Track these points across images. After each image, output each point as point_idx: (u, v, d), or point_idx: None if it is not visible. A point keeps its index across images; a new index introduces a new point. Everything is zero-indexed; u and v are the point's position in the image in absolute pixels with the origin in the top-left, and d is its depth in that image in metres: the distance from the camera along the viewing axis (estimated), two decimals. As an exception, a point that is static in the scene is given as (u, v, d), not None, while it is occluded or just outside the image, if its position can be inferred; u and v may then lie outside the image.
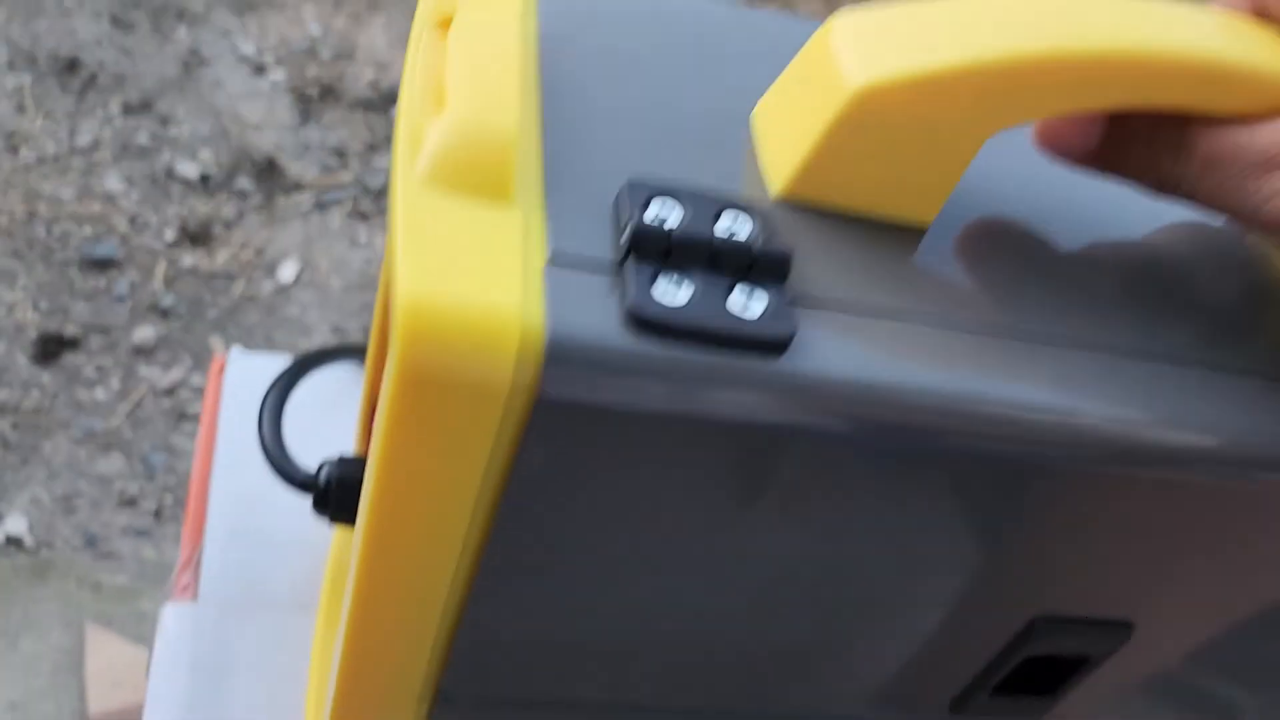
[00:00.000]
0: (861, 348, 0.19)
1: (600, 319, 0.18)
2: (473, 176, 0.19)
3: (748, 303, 0.19)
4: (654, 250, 0.19)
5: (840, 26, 0.22)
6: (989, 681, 0.26)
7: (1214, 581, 0.25)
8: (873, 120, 0.21)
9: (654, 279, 0.18)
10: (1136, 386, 0.21)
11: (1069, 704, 0.27)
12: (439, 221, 0.18)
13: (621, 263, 0.19)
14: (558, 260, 0.19)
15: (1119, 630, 0.25)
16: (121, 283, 1.14)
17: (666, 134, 0.22)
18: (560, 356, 0.17)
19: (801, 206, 0.22)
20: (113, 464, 0.98)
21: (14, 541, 0.89)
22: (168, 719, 0.35)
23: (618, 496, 0.20)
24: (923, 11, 0.22)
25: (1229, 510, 0.23)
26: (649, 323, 0.18)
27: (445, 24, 0.22)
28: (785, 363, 0.19)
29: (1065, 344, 0.21)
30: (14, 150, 1.28)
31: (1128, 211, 0.25)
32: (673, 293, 0.18)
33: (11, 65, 1.41)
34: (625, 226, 0.19)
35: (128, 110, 1.37)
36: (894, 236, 0.22)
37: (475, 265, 0.18)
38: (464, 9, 0.22)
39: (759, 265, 0.19)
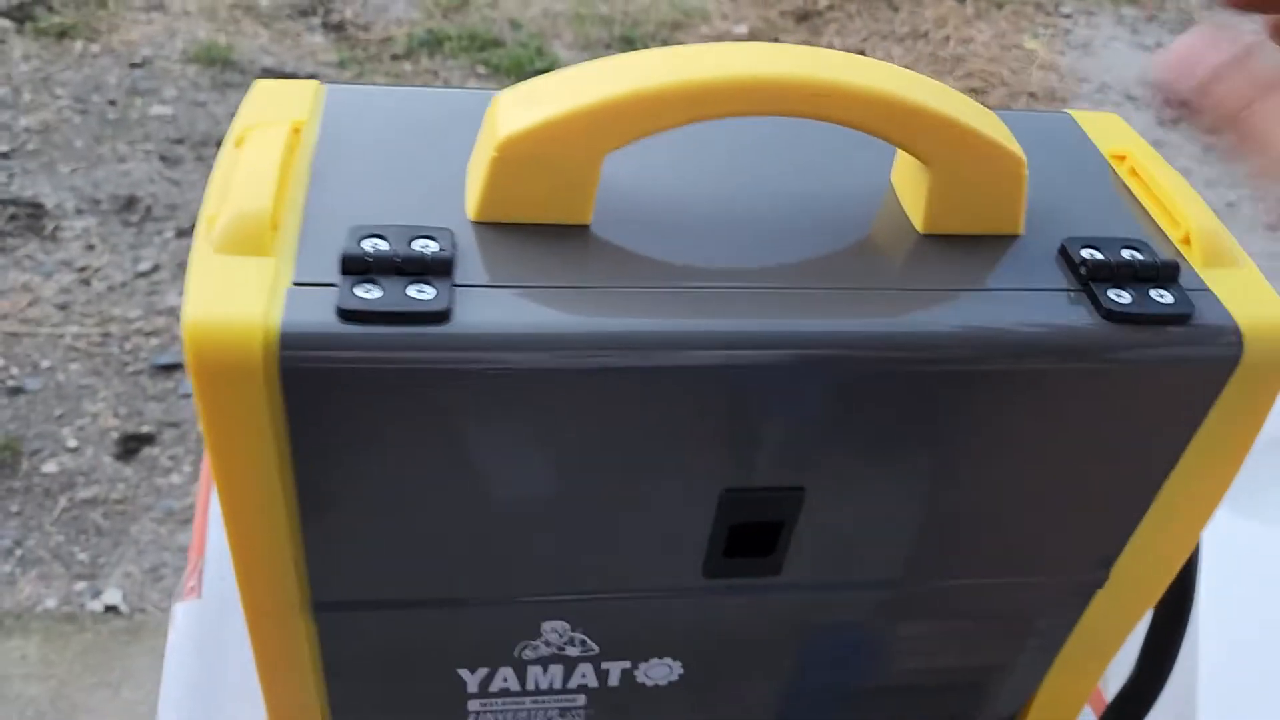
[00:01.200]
0: (511, 309, 0.29)
1: (322, 317, 0.28)
2: (242, 241, 0.29)
3: (420, 293, 0.28)
4: (358, 269, 0.29)
5: (505, 95, 0.32)
6: (718, 548, 0.35)
7: (858, 456, 0.33)
8: (516, 157, 0.30)
9: (355, 286, 0.28)
10: (770, 304, 0.30)
11: (795, 561, 0.36)
12: (214, 271, 0.29)
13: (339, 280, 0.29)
14: (298, 284, 0.29)
15: (794, 494, 0.33)
16: (187, 383, 1.29)
17: (400, 194, 0.32)
18: (292, 343, 0.27)
19: (490, 224, 0.31)
20: (190, 536, 1.12)
21: (111, 609, 1.03)
22: (181, 694, 0.46)
23: (371, 440, 0.30)
24: (563, 75, 0.31)
25: (859, 395, 0.31)
26: (350, 313, 0.28)
27: (240, 141, 0.33)
28: (448, 327, 0.28)
29: (687, 281, 0.30)
30: (87, 283, 1.44)
31: (759, 191, 0.34)
32: (369, 293, 0.28)
33: (79, 211, 1.58)
34: (342, 258, 0.29)
35: (180, 234, 1.53)
36: (560, 235, 0.32)
37: (235, 294, 0.28)
38: (255, 128, 0.33)
39: (430, 268, 0.29)
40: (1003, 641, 0.41)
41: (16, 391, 1.25)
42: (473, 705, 0.40)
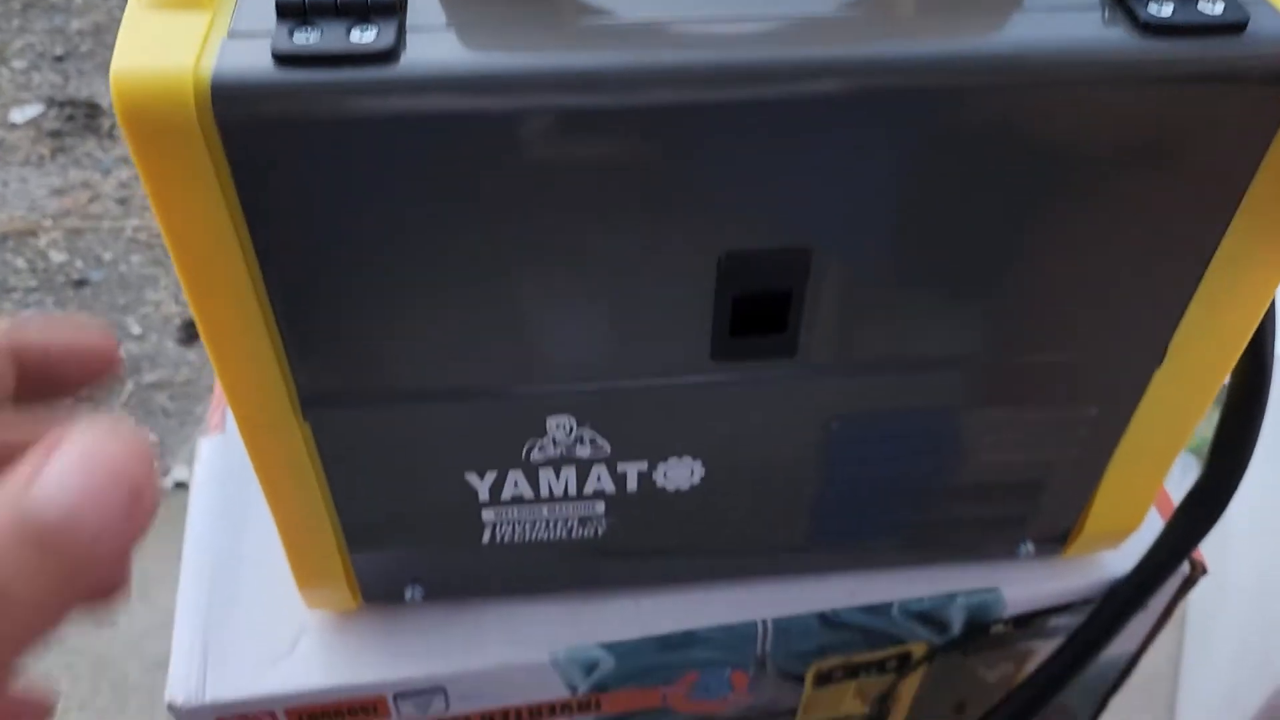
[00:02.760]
0: (469, 47, 0.26)
1: (256, 63, 0.26)
2: (176, -4, 0.27)
3: (362, 35, 0.26)
4: (294, 13, 0.26)
5: None
6: (723, 325, 0.32)
7: (869, 210, 0.30)
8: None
9: (293, 31, 0.26)
10: (759, 36, 0.27)
11: (811, 340, 0.33)
12: (147, 24, 0.26)
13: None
14: (233, 36, 0.26)
15: (799, 257, 0.30)
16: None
17: None
18: (225, 92, 0.25)
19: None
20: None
21: (181, 485, 1.05)
22: (204, 527, 0.45)
23: (327, 202, 0.28)
24: None
25: (868, 137, 0.28)
26: (285, 57, 0.25)
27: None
28: (395, 68, 0.26)
29: (670, 11, 0.27)
30: (143, 176, 1.45)
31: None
32: (307, 36, 0.26)
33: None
34: (277, 3, 0.26)
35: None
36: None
37: (166, 45, 0.26)
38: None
39: (373, 10, 0.26)
40: (1052, 433, 0.38)
41: (81, 284, 1.27)
42: (487, 515, 0.38)
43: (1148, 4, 0.28)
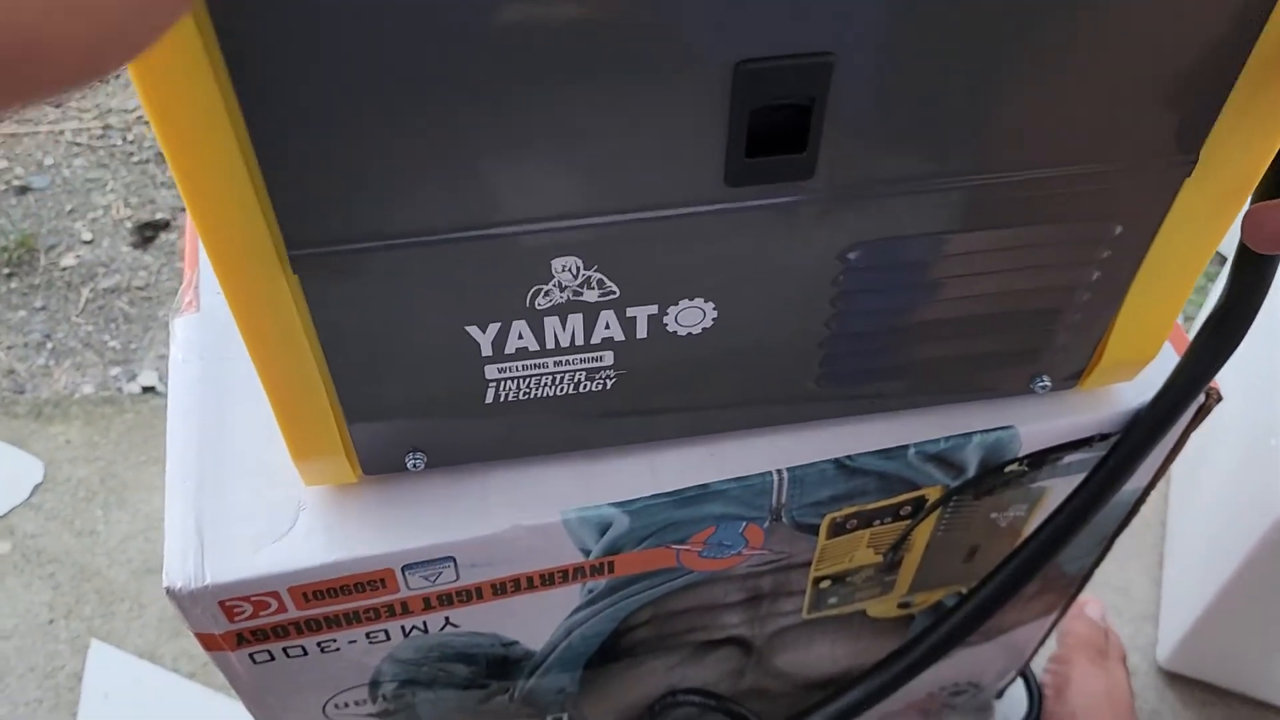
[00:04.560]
0: None
1: None
2: None
3: None
4: None
5: None
6: (739, 145, 0.30)
7: (896, 9, 0.27)
8: None
9: None
10: None
11: (830, 158, 0.31)
12: None
13: None
14: None
15: (821, 63, 0.28)
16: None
17: None
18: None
19: None
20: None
21: (149, 389, 1.02)
22: (190, 401, 0.43)
23: (302, 22, 0.25)
24: None
25: None
26: None
27: None
28: None
29: None
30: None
31: None
32: None
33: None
34: None
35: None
36: None
37: None
38: None
39: None
40: (1074, 254, 0.36)
41: (24, 190, 1.21)
42: (490, 372, 0.36)
43: None
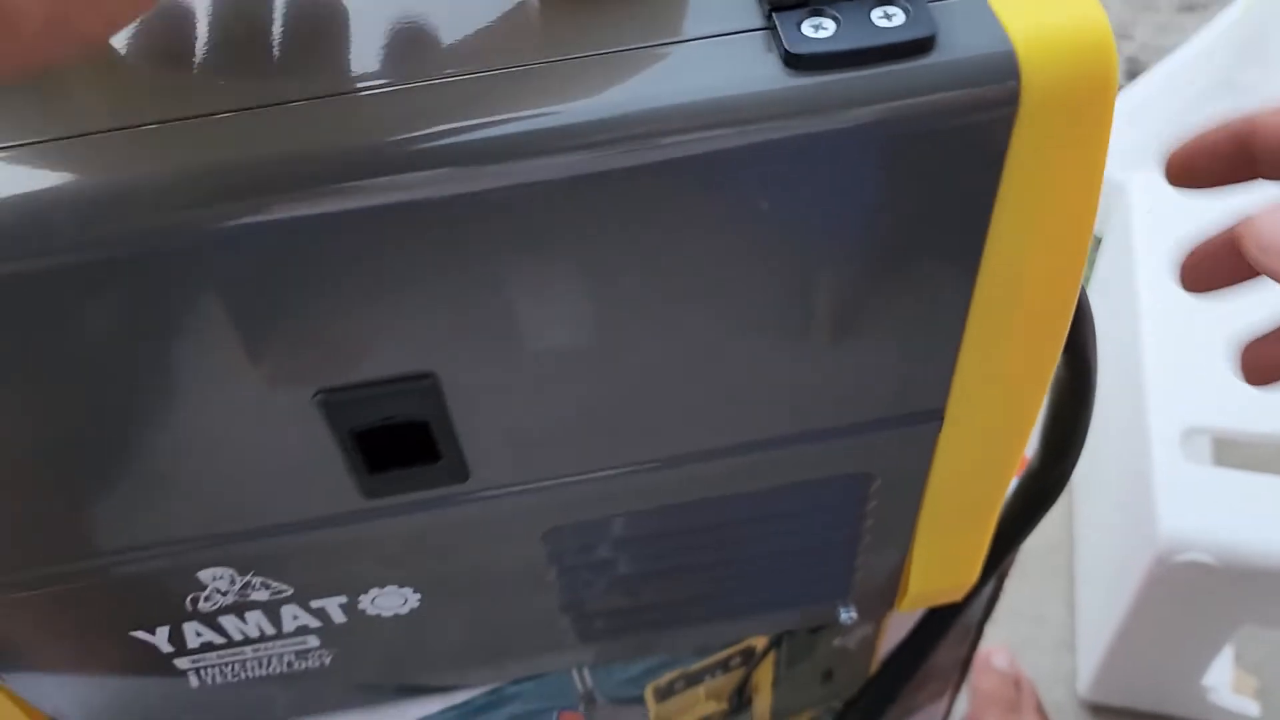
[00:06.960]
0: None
1: None
2: None
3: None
4: None
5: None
6: (358, 464, 0.26)
7: (498, 320, 0.23)
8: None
9: None
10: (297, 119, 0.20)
11: (486, 460, 0.27)
12: None
13: None
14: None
15: (422, 383, 0.24)
16: None
17: None
18: None
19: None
20: None
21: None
22: None
23: None
24: None
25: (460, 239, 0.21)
26: None
27: None
28: None
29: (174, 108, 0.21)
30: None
31: None
32: None
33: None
34: None
35: None
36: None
37: None
38: None
39: None
40: (826, 513, 0.32)
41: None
42: (181, 663, 0.32)
43: (801, 21, 0.21)
